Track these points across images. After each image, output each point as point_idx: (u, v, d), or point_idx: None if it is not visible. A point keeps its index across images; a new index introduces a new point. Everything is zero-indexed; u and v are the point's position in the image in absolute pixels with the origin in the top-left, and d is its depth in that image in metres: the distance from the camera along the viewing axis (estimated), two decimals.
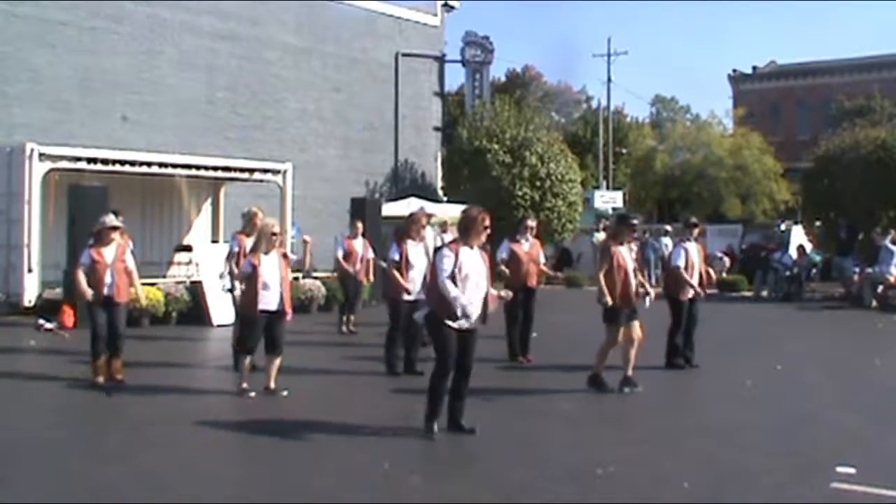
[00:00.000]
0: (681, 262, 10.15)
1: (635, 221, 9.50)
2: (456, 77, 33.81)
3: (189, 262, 17.59)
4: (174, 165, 16.63)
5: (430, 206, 16.52)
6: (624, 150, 42.43)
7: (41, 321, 13.36)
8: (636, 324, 8.88)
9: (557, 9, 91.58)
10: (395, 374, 9.68)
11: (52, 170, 14.86)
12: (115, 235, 9.18)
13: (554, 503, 5.45)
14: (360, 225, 14.05)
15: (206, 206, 19.79)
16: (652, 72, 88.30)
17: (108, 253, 9.03)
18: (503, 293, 7.21)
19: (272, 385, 8.43)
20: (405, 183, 27.09)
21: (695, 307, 10.36)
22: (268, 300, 8.27)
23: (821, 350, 12.88)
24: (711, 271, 11.13)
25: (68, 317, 13.50)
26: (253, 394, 8.30)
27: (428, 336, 8.83)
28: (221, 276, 10.43)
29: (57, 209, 14.92)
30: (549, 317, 12.10)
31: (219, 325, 13.73)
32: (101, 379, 8.83)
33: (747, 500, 5.56)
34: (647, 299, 9.07)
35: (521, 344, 10.76)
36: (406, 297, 9.68)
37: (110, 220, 9.28)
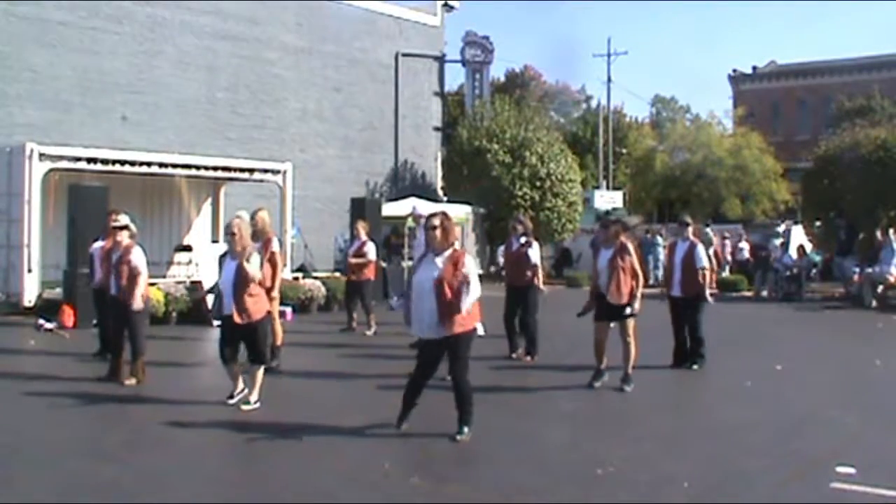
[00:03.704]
0: (706, 263, 10.22)
1: (607, 220, 9.61)
2: (456, 77, 33.76)
3: (189, 262, 17.60)
4: (174, 165, 16.64)
5: (429, 207, 16.49)
6: (624, 150, 42.40)
7: (41, 321, 13.36)
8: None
9: (557, 9, 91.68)
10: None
11: (52, 170, 14.87)
12: (122, 234, 9.21)
13: (554, 503, 5.46)
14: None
15: (206, 206, 19.79)
16: (652, 72, 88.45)
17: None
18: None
19: (234, 395, 7.89)
20: (405, 183, 27.11)
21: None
22: (225, 305, 7.78)
23: (821, 350, 12.88)
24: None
25: (68, 317, 13.50)
26: (231, 401, 7.83)
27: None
28: None
29: (57, 209, 14.92)
30: (549, 317, 12.09)
31: (218, 326, 13.70)
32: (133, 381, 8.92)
33: (747, 500, 5.56)
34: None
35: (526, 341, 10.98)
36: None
37: (117, 219, 9.34)
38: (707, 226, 26.61)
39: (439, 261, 6.69)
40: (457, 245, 6.85)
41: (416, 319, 6.77)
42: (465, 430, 6.72)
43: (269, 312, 8.34)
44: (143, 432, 7.05)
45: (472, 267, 6.73)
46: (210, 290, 8.57)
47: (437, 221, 6.78)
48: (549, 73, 65.88)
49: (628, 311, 8.87)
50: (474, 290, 6.62)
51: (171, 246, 18.52)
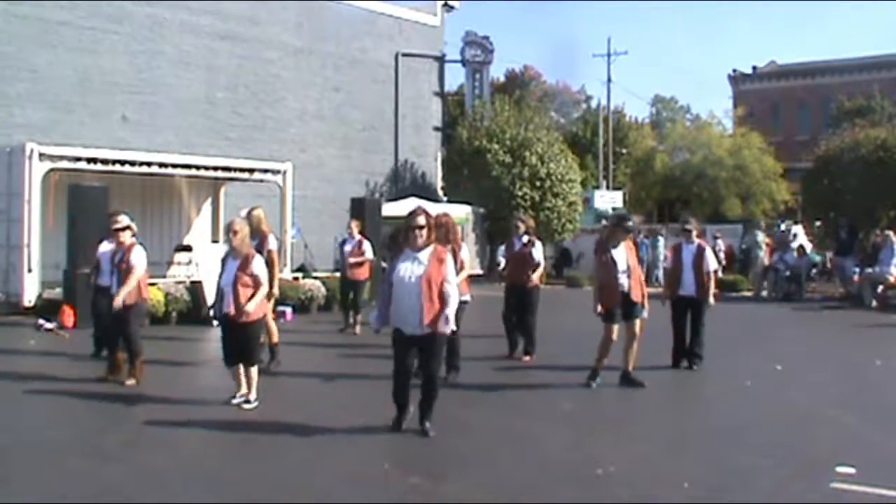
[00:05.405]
0: (715, 266, 10.31)
1: (629, 224, 9.54)
2: (456, 77, 33.84)
3: (189, 262, 17.59)
4: (174, 165, 16.64)
5: (432, 207, 16.47)
6: (624, 150, 42.39)
7: (41, 321, 13.35)
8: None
9: (557, 9, 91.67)
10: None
11: (52, 170, 14.86)
12: (124, 235, 9.20)
13: (554, 503, 5.45)
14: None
15: (206, 206, 19.80)
16: (652, 72, 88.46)
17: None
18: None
19: (235, 395, 7.95)
20: (405, 183, 27.11)
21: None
22: (225, 304, 7.81)
23: (821, 350, 12.88)
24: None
25: (68, 317, 13.50)
26: (232, 401, 7.86)
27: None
28: None
29: (57, 209, 14.91)
30: (550, 317, 12.10)
31: (218, 326, 13.70)
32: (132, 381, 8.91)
33: (747, 500, 5.55)
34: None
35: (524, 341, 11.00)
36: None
37: (118, 220, 9.37)
38: (758, 228, 26.45)
39: (423, 257, 6.62)
40: (464, 246, 6.88)
41: (399, 315, 6.64)
42: (428, 424, 6.82)
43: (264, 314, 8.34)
44: (143, 432, 7.05)
45: (451, 266, 6.74)
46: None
47: (422, 221, 6.67)
48: (548, 73, 65.95)
49: (645, 310, 9.04)
50: (456, 290, 6.69)
51: (171, 246, 18.51)
